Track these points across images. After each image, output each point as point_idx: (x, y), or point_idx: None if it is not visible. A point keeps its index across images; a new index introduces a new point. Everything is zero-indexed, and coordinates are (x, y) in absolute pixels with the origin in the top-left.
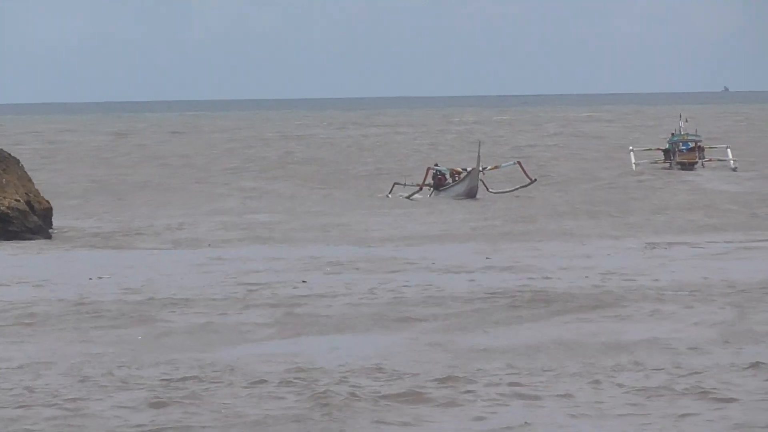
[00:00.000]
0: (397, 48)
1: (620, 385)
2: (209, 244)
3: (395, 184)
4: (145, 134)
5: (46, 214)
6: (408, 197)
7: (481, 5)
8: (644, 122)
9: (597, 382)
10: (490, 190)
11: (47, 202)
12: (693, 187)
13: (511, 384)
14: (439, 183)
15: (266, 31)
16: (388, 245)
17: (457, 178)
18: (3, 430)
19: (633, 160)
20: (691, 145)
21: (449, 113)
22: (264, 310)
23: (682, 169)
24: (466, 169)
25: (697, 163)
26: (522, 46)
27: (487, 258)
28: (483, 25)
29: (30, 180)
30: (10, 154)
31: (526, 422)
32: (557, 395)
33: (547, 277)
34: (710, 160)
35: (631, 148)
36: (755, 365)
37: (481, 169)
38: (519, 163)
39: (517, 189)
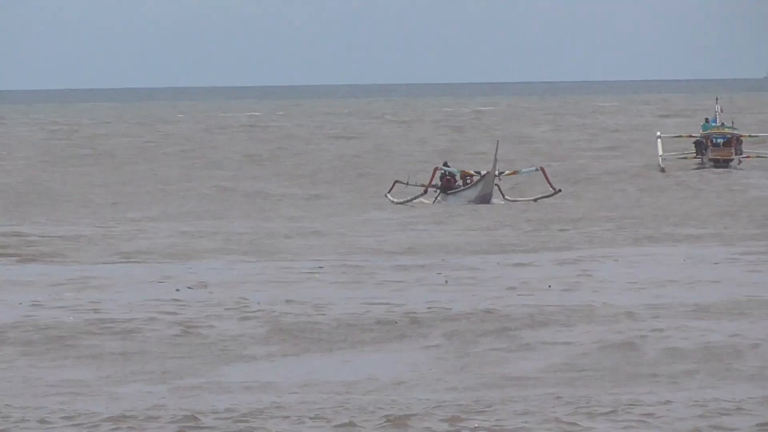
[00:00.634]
0: (385, 34)
1: None
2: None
3: (396, 182)
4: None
5: None
6: (405, 203)
7: None
8: (676, 112)
9: None
10: (507, 197)
11: None
12: (724, 188)
13: None
14: (447, 185)
15: (244, 17)
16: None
17: (469, 182)
18: None
19: (660, 153)
20: (728, 136)
21: (461, 101)
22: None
23: (716, 167)
24: (479, 173)
25: (732, 160)
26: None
27: (445, 280)
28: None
29: None
30: None
31: None
32: None
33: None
34: (748, 157)
35: (658, 134)
36: None
37: (497, 173)
38: (542, 169)
39: (537, 199)
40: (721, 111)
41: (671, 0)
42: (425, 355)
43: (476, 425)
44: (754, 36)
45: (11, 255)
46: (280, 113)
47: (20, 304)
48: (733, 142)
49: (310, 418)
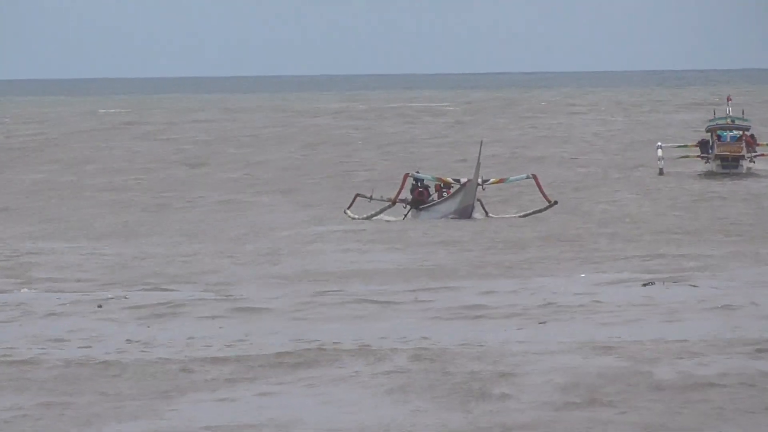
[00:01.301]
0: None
1: None
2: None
3: (357, 196)
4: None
5: None
6: (369, 218)
7: None
8: (683, 107)
9: None
10: (491, 214)
11: None
12: (730, 194)
13: None
14: (419, 198)
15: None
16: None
17: (446, 193)
18: None
19: (661, 160)
20: (738, 134)
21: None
22: None
23: (723, 167)
24: (458, 181)
25: (743, 158)
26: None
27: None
28: None
29: None
30: None
31: None
32: None
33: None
34: (762, 156)
35: (659, 144)
36: None
37: (480, 182)
38: (534, 177)
39: (528, 215)
40: (729, 100)
41: None
42: None
43: None
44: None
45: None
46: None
47: None
48: (748, 139)
49: None
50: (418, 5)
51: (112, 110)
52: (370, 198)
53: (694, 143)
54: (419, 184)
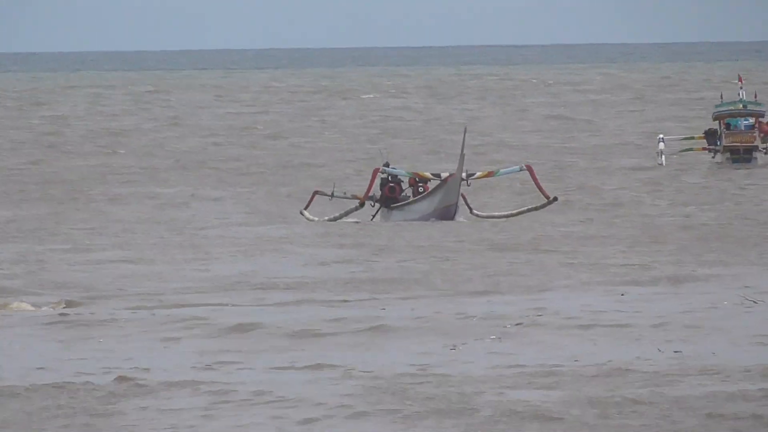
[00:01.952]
0: None
1: None
2: None
3: (316, 193)
4: None
5: None
6: (334, 219)
7: None
8: (690, 87)
9: None
10: (475, 211)
11: None
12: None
13: None
14: (390, 196)
15: None
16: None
17: (422, 190)
18: None
19: (662, 155)
20: (751, 120)
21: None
22: None
23: (734, 161)
24: (439, 176)
25: (756, 149)
26: None
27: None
28: None
29: None
30: None
31: None
32: None
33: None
34: None
35: (660, 136)
36: None
37: (464, 176)
38: (529, 168)
39: (521, 212)
40: (740, 81)
41: None
42: None
43: None
44: None
45: None
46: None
47: None
48: (764, 126)
49: None
50: None
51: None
52: (332, 195)
53: (701, 135)
54: (390, 179)
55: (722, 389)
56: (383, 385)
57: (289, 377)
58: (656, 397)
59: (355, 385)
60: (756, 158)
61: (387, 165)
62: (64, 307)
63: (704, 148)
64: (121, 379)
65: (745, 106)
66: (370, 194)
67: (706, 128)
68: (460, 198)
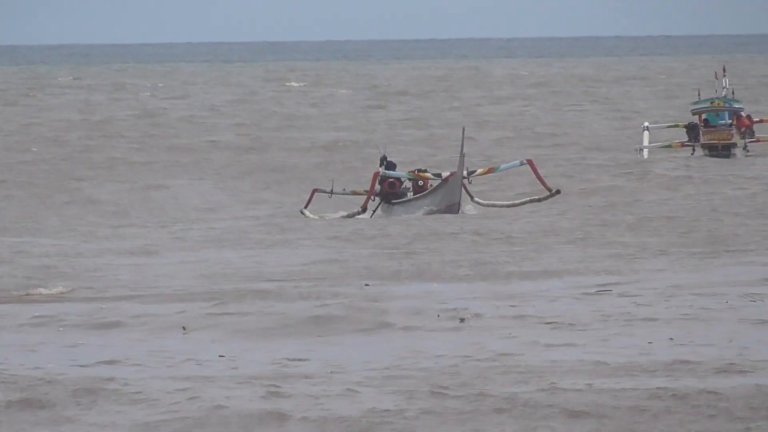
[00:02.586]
0: None
1: None
2: None
3: (315, 191)
4: None
5: None
6: (349, 216)
7: None
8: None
9: None
10: (476, 199)
11: None
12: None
13: None
14: (391, 191)
15: None
16: None
17: (422, 183)
18: None
19: (645, 145)
20: (728, 120)
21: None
22: None
23: (712, 155)
24: (440, 175)
25: (735, 145)
26: None
27: None
28: None
29: None
30: None
31: None
32: None
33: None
34: (758, 141)
35: (645, 125)
36: None
37: (465, 174)
38: (530, 162)
39: (523, 203)
40: (724, 73)
41: None
42: None
43: None
44: None
45: None
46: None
47: None
48: (743, 122)
49: None
50: None
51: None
52: (331, 192)
53: (684, 124)
54: (390, 176)
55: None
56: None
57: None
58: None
59: None
60: (735, 154)
61: (384, 158)
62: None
63: (683, 144)
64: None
65: (725, 103)
66: (374, 192)
67: (688, 122)
68: (463, 192)
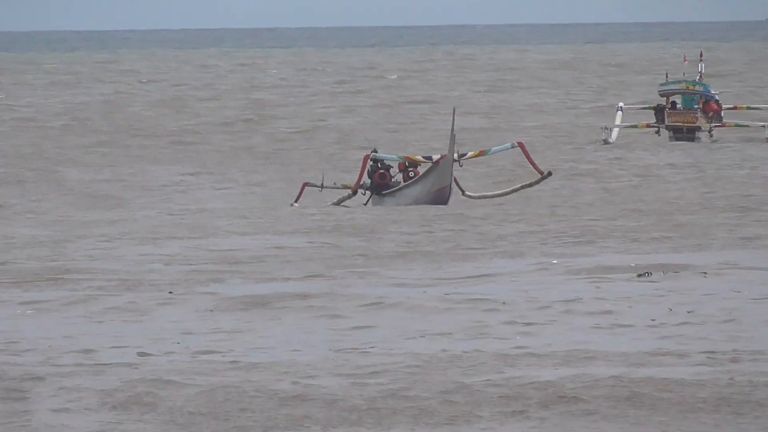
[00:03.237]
0: None
1: None
2: None
3: (306, 185)
4: None
5: None
6: (338, 204)
7: None
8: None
9: None
10: (468, 192)
11: None
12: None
13: None
14: (381, 183)
15: None
16: None
17: (413, 174)
18: None
19: (616, 124)
20: (696, 103)
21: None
22: None
23: (677, 139)
24: (430, 159)
25: (699, 129)
26: None
27: None
28: None
29: None
30: None
31: None
32: None
33: None
34: (724, 125)
35: (620, 105)
36: None
37: (456, 157)
38: (521, 145)
39: (515, 190)
40: (701, 58)
41: None
42: None
43: None
44: None
45: None
46: None
47: None
48: (711, 106)
49: None
50: None
51: None
52: (321, 187)
53: (653, 105)
54: (379, 165)
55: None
56: None
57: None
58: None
59: None
60: (699, 138)
61: (375, 150)
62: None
63: (648, 125)
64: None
65: (694, 86)
66: (361, 183)
67: (656, 104)
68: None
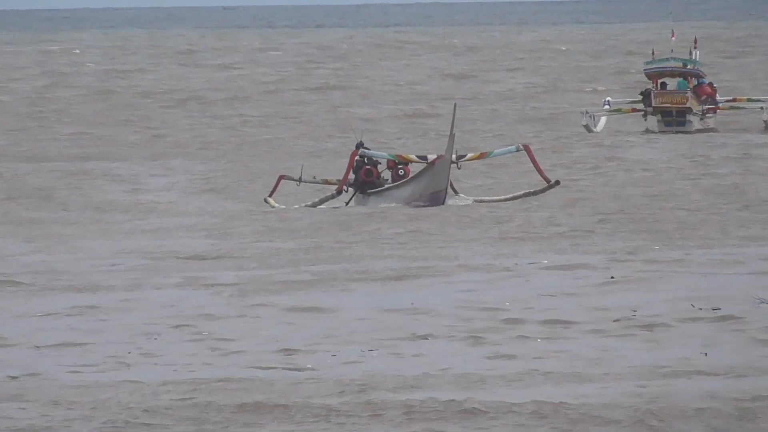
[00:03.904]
0: None
1: None
2: None
3: (281, 178)
4: None
5: None
6: (313, 205)
7: None
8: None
9: None
10: (461, 194)
11: None
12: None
13: None
14: (367, 180)
15: None
16: None
17: (402, 173)
18: None
19: (602, 111)
20: (687, 82)
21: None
22: None
23: (666, 124)
24: (425, 158)
25: (690, 110)
26: None
27: None
28: None
29: None
30: None
31: None
32: None
33: None
34: (717, 109)
35: (607, 99)
36: None
37: (454, 158)
38: (527, 149)
39: (516, 197)
40: (695, 44)
41: None
42: None
43: None
44: None
45: None
46: None
47: None
48: (704, 89)
49: None
50: None
51: None
52: (299, 180)
53: (639, 92)
54: (365, 161)
55: None
56: None
57: None
58: None
59: None
60: (690, 121)
61: (361, 144)
62: None
63: (634, 110)
64: None
65: (684, 65)
66: (347, 179)
67: (644, 89)
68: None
